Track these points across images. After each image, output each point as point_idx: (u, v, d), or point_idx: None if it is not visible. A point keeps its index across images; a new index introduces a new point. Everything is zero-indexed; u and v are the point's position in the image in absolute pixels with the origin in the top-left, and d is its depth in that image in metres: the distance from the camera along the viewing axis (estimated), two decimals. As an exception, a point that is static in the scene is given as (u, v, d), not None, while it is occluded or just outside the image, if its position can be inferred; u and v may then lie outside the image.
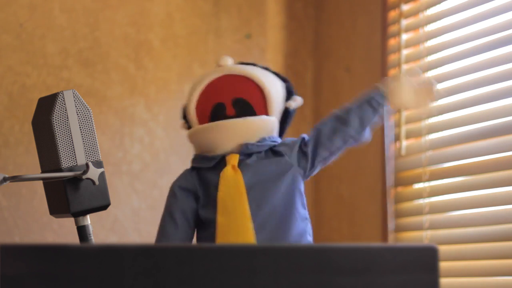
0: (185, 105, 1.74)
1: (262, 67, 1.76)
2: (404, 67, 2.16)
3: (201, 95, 1.70)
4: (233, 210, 1.62)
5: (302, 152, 1.68)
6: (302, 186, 1.68)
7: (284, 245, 1.16)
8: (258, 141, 1.67)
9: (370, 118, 1.68)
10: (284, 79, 1.76)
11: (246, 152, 1.66)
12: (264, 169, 1.65)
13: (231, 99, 1.69)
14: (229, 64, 1.73)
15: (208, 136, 1.68)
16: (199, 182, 1.68)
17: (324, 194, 2.40)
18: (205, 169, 1.68)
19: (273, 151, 1.68)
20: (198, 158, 1.71)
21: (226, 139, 1.67)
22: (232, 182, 1.63)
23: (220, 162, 1.67)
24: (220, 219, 1.62)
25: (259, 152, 1.67)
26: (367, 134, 1.70)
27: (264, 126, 1.68)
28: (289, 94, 1.73)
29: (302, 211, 1.66)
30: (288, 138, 1.72)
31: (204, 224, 1.67)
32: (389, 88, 1.69)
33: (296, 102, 1.74)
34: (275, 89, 1.71)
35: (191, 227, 1.68)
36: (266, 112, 1.69)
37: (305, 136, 1.70)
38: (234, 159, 1.65)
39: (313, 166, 1.68)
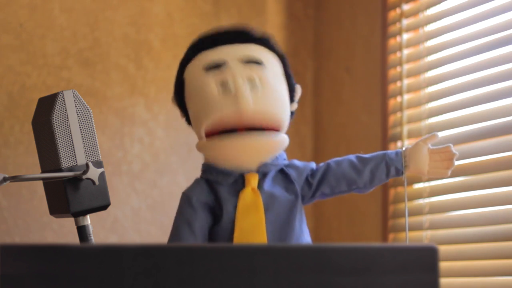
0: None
1: (263, 40, 1.68)
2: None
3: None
4: (251, 234, 1.58)
5: (308, 181, 1.65)
6: (304, 216, 1.66)
7: (284, 245, 1.15)
8: (273, 160, 1.63)
9: (382, 179, 1.66)
10: (283, 59, 1.69)
11: (264, 171, 1.62)
12: (278, 197, 1.61)
13: (243, 126, 1.62)
14: (251, 106, 1.59)
15: (224, 152, 1.62)
16: (215, 198, 1.62)
17: (324, 194, 2.40)
18: (219, 183, 1.63)
19: (284, 173, 1.64)
20: (213, 172, 1.63)
21: (245, 156, 1.62)
22: (251, 206, 1.59)
23: (238, 179, 1.62)
24: (236, 242, 1.57)
25: (271, 171, 1.64)
26: (373, 189, 1.69)
27: (283, 146, 1.64)
28: (290, 90, 1.68)
29: (308, 239, 1.66)
30: (296, 160, 1.69)
31: (215, 242, 1.61)
32: (409, 155, 1.65)
33: (297, 94, 1.70)
34: (287, 113, 1.66)
35: (206, 242, 1.62)
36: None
37: (314, 165, 1.67)
38: (254, 180, 1.61)
39: (312, 197, 1.66)
